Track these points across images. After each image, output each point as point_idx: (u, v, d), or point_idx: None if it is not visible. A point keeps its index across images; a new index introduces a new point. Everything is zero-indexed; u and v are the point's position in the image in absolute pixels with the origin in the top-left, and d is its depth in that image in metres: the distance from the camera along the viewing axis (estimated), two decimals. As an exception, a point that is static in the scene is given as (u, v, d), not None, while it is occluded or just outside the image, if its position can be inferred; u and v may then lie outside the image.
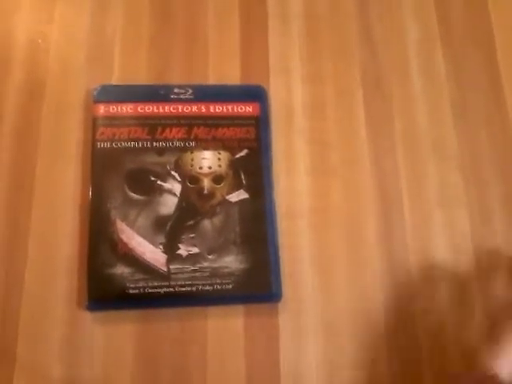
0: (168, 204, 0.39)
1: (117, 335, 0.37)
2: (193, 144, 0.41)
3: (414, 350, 0.39)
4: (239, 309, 0.39)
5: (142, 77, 0.43)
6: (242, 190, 0.40)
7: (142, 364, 0.37)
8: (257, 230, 0.39)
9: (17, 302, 0.37)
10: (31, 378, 0.36)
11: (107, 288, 0.37)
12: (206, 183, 0.40)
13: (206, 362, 0.37)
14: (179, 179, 0.40)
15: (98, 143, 0.40)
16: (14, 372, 0.36)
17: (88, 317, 0.37)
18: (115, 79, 0.43)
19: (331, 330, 0.39)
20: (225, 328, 0.38)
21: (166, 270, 0.38)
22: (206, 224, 0.39)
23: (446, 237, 0.42)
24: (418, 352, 0.39)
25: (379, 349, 0.39)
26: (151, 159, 0.40)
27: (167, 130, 0.41)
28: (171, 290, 0.37)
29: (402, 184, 0.43)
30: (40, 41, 0.43)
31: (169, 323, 0.38)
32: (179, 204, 0.39)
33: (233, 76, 0.44)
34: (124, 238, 0.38)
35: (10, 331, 0.37)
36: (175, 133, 0.41)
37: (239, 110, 0.42)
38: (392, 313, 0.39)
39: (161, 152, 0.40)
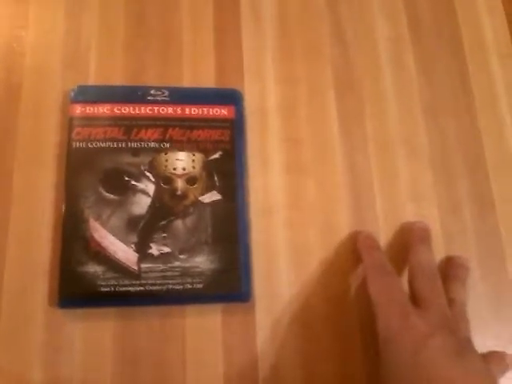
0: (141, 204, 0.40)
1: (95, 333, 0.38)
2: (168, 145, 0.41)
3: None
4: (216, 307, 0.39)
5: (117, 78, 0.43)
6: (214, 192, 0.41)
7: (121, 360, 0.37)
8: (228, 231, 0.40)
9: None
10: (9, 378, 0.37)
11: (79, 285, 0.37)
12: (180, 184, 0.41)
13: (185, 359, 0.38)
14: (153, 180, 0.40)
15: (74, 143, 0.40)
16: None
17: (64, 315, 0.38)
18: (91, 81, 0.43)
19: (307, 325, 0.40)
20: (202, 326, 0.39)
21: (136, 268, 0.38)
22: (179, 224, 0.40)
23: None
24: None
25: (354, 340, 0.40)
26: (126, 159, 0.40)
27: (143, 131, 0.41)
28: (142, 288, 0.38)
29: (374, 180, 0.44)
30: (15, 45, 0.43)
31: (148, 321, 0.38)
32: (152, 204, 0.40)
33: (207, 78, 0.44)
34: (97, 236, 0.39)
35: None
36: (150, 134, 0.41)
37: (215, 113, 0.42)
38: (365, 303, 0.39)
39: (136, 152, 0.41)
